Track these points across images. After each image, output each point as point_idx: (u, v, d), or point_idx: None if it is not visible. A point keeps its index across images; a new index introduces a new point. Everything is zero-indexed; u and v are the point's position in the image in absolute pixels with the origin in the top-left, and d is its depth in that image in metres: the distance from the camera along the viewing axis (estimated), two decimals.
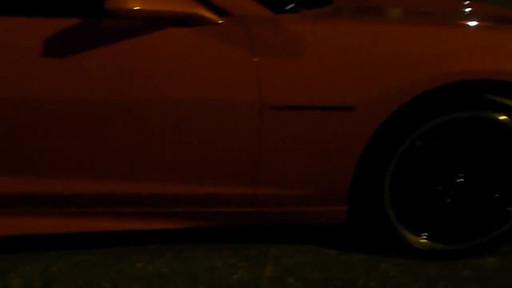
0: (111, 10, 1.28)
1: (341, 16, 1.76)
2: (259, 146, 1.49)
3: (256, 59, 1.43)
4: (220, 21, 1.44)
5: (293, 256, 1.70)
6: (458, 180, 1.59)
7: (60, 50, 1.40)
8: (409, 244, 1.63)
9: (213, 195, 1.56)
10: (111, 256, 1.71)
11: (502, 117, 1.51)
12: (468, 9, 2.10)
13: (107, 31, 1.42)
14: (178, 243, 1.78)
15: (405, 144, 1.49)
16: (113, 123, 1.45)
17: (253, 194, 1.55)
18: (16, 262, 1.68)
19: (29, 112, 1.43)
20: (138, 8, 1.30)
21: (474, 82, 1.47)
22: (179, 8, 1.36)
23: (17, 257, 1.70)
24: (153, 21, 1.41)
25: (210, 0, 1.45)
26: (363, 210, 1.60)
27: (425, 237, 1.63)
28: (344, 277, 1.59)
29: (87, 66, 1.41)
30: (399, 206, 1.58)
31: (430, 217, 1.62)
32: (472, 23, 1.72)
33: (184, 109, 1.45)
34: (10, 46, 1.41)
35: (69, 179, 1.52)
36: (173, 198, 1.57)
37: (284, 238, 1.81)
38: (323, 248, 1.75)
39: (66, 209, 1.58)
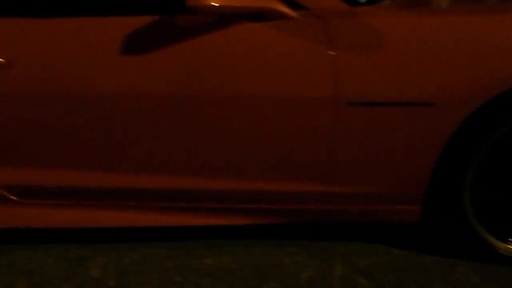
0: (192, 7, 1.28)
1: (416, 8, 1.70)
2: (333, 142, 1.46)
3: (333, 54, 1.39)
4: (296, 15, 1.43)
5: (362, 255, 1.66)
6: None
7: (137, 48, 1.42)
8: (492, 249, 1.54)
9: (284, 192, 1.54)
10: (178, 250, 1.73)
11: None
12: None
13: (182, 27, 1.42)
14: (243, 238, 1.79)
15: (491, 140, 1.41)
16: (189, 119, 1.46)
17: (325, 191, 1.52)
18: (91, 251, 1.74)
19: (108, 108, 1.46)
20: (218, 4, 1.29)
21: None
22: (256, 3, 1.35)
23: (91, 247, 1.76)
24: (229, 17, 1.41)
25: None
26: (439, 211, 1.54)
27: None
28: (418, 280, 1.53)
29: (164, 63, 1.42)
30: (480, 208, 1.51)
31: None
32: None
33: (258, 105, 1.43)
34: (90, 45, 1.44)
35: (145, 174, 1.55)
36: (243, 195, 1.56)
37: (350, 236, 1.78)
38: (392, 248, 1.70)
39: (143, 203, 1.61)
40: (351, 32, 1.41)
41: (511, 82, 1.35)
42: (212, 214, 1.64)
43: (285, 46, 1.40)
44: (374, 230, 1.82)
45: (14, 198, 1.62)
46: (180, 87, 1.43)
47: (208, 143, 1.49)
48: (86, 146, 1.53)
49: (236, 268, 1.62)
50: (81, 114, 1.48)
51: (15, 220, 1.63)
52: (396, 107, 1.39)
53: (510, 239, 1.55)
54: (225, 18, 1.41)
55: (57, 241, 1.81)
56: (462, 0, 1.80)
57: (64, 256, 1.72)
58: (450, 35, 1.38)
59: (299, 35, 1.41)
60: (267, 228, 1.81)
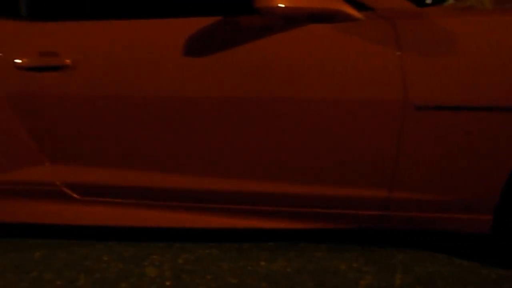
0: (260, 8, 1.27)
1: (486, 8, 1.62)
2: (398, 147, 1.41)
3: (402, 56, 1.34)
4: (362, 17, 1.39)
5: (423, 264, 1.60)
6: None
7: (200, 49, 1.42)
8: None
9: (345, 196, 1.51)
10: (232, 251, 1.73)
11: None
12: None
13: (246, 29, 1.41)
14: (297, 241, 1.76)
15: None
16: (250, 121, 1.45)
17: (388, 197, 1.48)
18: (146, 250, 1.75)
19: (171, 110, 1.46)
20: (285, 5, 1.27)
21: None
22: (323, 5, 1.31)
23: (146, 246, 1.78)
24: (294, 18, 1.38)
25: None
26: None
27: None
28: None
29: (227, 64, 1.41)
30: None
31: None
32: None
33: (322, 108, 1.40)
34: (153, 47, 1.44)
35: (203, 176, 1.55)
36: (302, 198, 1.54)
37: (409, 242, 1.73)
38: (455, 258, 1.63)
39: (200, 205, 1.61)
40: (420, 33, 1.35)
41: None
42: (267, 217, 1.62)
43: (351, 48, 1.37)
44: (433, 236, 1.75)
45: (76, 196, 1.66)
46: (243, 89, 1.41)
47: (268, 146, 1.48)
48: (147, 147, 1.54)
49: (292, 272, 1.60)
50: (143, 116, 1.49)
51: (76, 218, 1.67)
52: (471, 112, 1.33)
53: None
54: (290, 19, 1.38)
55: (111, 239, 1.84)
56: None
57: (120, 254, 1.75)
58: None
59: (366, 37, 1.37)
60: (321, 231, 1.79)
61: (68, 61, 1.47)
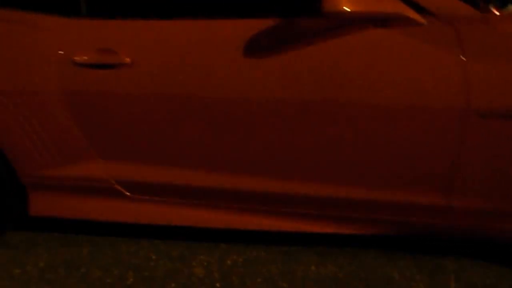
0: (326, 12, 1.25)
1: None
2: (458, 155, 1.38)
3: (465, 62, 1.31)
4: (424, 22, 1.37)
5: (477, 273, 1.56)
6: None
7: (259, 51, 1.41)
8: None
9: (402, 203, 1.48)
10: (280, 254, 1.70)
11: None
12: None
13: (305, 31, 1.39)
14: (345, 246, 1.73)
15: None
16: (305, 124, 1.43)
17: (447, 205, 1.44)
18: (193, 250, 1.75)
19: (227, 111, 1.45)
20: (351, 9, 1.25)
21: None
22: (387, 9, 1.29)
23: (193, 246, 1.77)
24: (355, 22, 1.36)
25: (413, 0, 1.38)
26: None
27: None
28: None
29: (286, 66, 1.39)
30: None
31: None
32: None
33: (381, 113, 1.38)
34: (213, 47, 1.44)
35: (258, 178, 1.53)
36: (358, 203, 1.51)
37: (459, 251, 1.68)
38: (507, 268, 1.60)
39: (248, 206, 1.60)
40: (484, 39, 1.32)
41: None
42: (316, 221, 1.59)
43: (412, 53, 1.34)
44: (484, 245, 1.70)
45: (127, 193, 1.66)
46: (301, 91, 1.40)
47: (324, 149, 1.46)
48: (200, 147, 1.54)
49: (343, 278, 1.57)
50: (199, 116, 1.49)
51: (126, 215, 1.68)
52: None
53: None
54: (352, 23, 1.36)
55: (156, 237, 1.83)
56: None
57: (167, 253, 1.74)
58: None
59: (428, 42, 1.34)
60: (370, 237, 1.74)
61: (126, 59, 1.47)
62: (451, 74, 1.32)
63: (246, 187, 1.55)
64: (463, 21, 1.35)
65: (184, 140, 1.53)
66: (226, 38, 1.43)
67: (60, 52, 1.51)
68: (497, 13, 1.44)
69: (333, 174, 1.48)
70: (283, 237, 1.77)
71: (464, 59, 1.32)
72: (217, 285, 1.56)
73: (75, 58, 1.50)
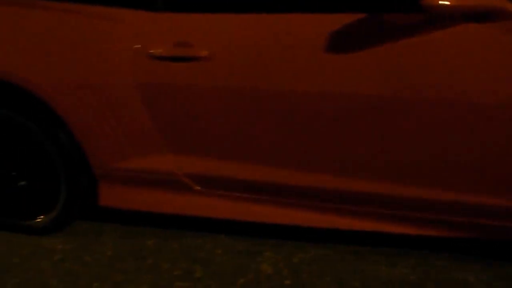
0: (425, 6, 1.19)
1: None
2: None
3: None
4: None
5: None
6: None
7: (342, 46, 1.36)
8: None
9: (482, 205, 1.42)
10: (348, 254, 1.68)
11: None
12: None
13: (391, 26, 1.34)
14: (415, 248, 1.67)
15: None
16: (397, 122, 1.37)
17: None
18: (258, 246, 1.73)
19: (312, 106, 1.42)
20: (451, 3, 1.19)
21: None
22: (489, 3, 1.22)
23: (258, 242, 1.75)
24: (453, 17, 1.29)
25: None
26: None
27: None
28: None
29: (372, 62, 1.34)
30: None
31: None
32: None
33: (468, 110, 1.31)
34: (293, 42, 1.40)
35: (329, 175, 1.50)
36: (435, 204, 1.46)
37: None
38: None
39: (317, 203, 1.57)
40: None
41: None
42: (387, 221, 1.55)
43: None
44: None
45: (197, 187, 1.66)
46: (389, 88, 1.35)
47: (409, 148, 1.40)
48: (273, 143, 1.51)
49: (416, 280, 1.53)
50: (274, 110, 1.46)
51: (195, 209, 1.68)
52: None
53: None
54: (450, 17, 1.29)
55: (219, 231, 1.83)
56: None
57: (232, 248, 1.74)
58: None
59: None
60: (441, 239, 1.67)
61: (203, 52, 1.46)
62: None
63: (318, 184, 1.52)
64: None
65: (258, 135, 1.51)
66: (307, 33, 1.39)
67: (136, 45, 1.51)
68: None
69: (416, 174, 1.43)
70: (350, 236, 1.74)
71: None
72: (287, 282, 1.55)
73: (151, 51, 1.50)
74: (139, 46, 1.51)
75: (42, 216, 1.83)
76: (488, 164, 1.38)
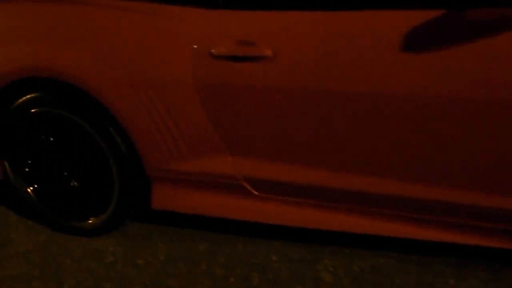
0: None
1: None
2: None
3: None
4: None
5: None
6: None
7: (422, 44, 1.27)
8: None
9: None
10: (411, 263, 1.59)
11: None
12: None
13: (475, 24, 1.26)
14: (484, 259, 1.58)
15: None
16: (477, 125, 1.28)
17: None
18: (316, 255, 1.67)
19: (382, 107, 1.34)
20: None
21: None
22: None
23: (314, 249, 1.69)
24: None
25: None
26: None
27: None
28: None
29: (451, 62, 1.25)
30: None
31: None
32: None
33: None
34: (364, 40, 1.32)
35: (392, 181, 1.42)
36: (502, 214, 1.39)
37: None
38: None
39: (381, 210, 1.48)
40: None
41: None
42: (454, 230, 1.46)
43: None
44: None
45: (255, 192, 1.60)
46: (467, 89, 1.26)
47: (480, 151, 1.31)
48: (339, 146, 1.44)
49: None
50: (343, 113, 1.38)
51: (253, 214, 1.62)
52: None
53: None
54: None
55: (272, 237, 1.77)
56: None
57: (288, 255, 1.68)
58: None
59: None
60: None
61: (267, 51, 1.39)
62: None
63: (383, 191, 1.44)
64: None
65: (323, 138, 1.44)
66: (383, 31, 1.30)
67: (196, 44, 1.46)
68: None
69: (489, 182, 1.34)
70: (410, 244, 1.65)
71: None
72: None
73: (213, 50, 1.45)
74: (200, 45, 1.47)
75: (93, 218, 1.81)
76: None
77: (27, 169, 1.84)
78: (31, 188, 1.88)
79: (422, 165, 1.40)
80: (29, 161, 1.83)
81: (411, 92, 1.30)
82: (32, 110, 1.70)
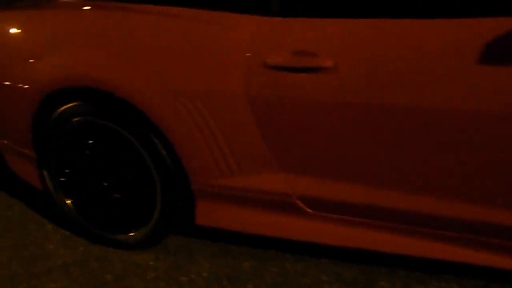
0: None
1: None
2: None
3: None
4: None
5: None
6: None
7: (500, 57, 1.16)
8: None
9: None
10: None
11: None
12: None
13: None
14: None
15: None
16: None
17: None
18: (369, 276, 1.56)
19: (456, 125, 1.22)
20: None
21: None
22: None
23: (365, 269, 1.59)
24: None
25: None
26: None
27: None
28: None
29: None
30: None
31: None
32: None
33: None
34: (431, 51, 1.20)
35: (454, 201, 1.31)
36: None
37: None
38: None
39: (441, 232, 1.38)
40: None
41: None
42: None
43: None
44: None
45: (309, 210, 1.51)
46: None
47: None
48: (400, 166, 1.33)
49: None
50: (409, 129, 1.27)
51: (305, 234, 1.52)
52: None
53: None
54: None
55: (321, 256, 1.68)
56: None
57: (338, 275, 1.58)
58: None
59: None
60: None
61: (328, 62, 1.30)
62: None
63: (446, 213, 1.33)
64: None
65: (385, 156, 1.33)
66: (455, 41, 1.20)
67: (250, 53, 1.38)
68: None
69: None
70: (474, 269, 1.55)
71: None
72: None
73: (268, 60, 1.36)
74: (253, 54, 1.38)
75: (134, 231, 1.75)
76: None
77: (67, 180, 1.79)
78: (71, 200, 1.83)
79: (497, 187, 1.28)
80: (69, 171, 1.78)
81: (492, 109, 1.18)
82: (74, 119, 1.66)
